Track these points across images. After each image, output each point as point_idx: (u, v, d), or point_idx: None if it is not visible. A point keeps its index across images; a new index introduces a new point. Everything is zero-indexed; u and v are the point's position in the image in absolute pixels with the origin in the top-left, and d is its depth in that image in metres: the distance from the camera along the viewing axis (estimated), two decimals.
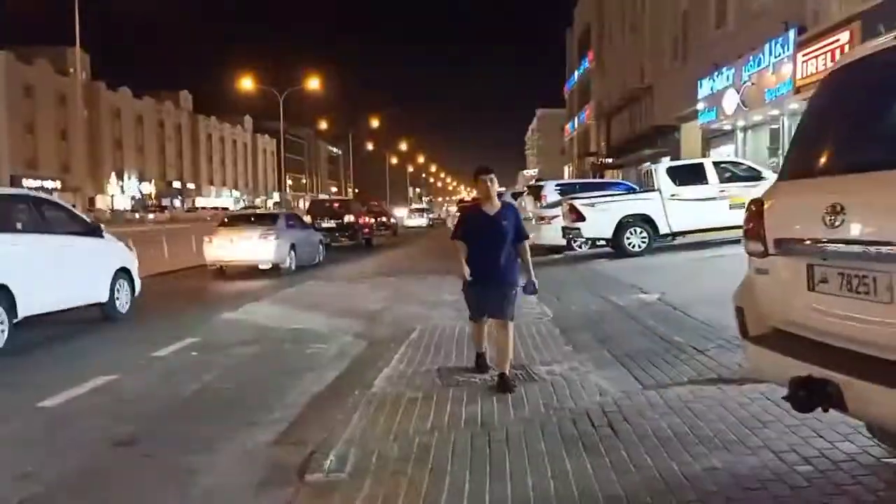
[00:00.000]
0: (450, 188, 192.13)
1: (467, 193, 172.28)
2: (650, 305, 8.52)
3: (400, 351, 7.10)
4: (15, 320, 8.06)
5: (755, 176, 14.08)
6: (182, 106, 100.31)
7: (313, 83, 51.50)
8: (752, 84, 19.27)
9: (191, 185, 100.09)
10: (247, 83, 50.35)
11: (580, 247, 17.26)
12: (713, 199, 13.91)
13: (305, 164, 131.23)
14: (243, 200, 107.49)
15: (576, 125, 66.84)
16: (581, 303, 9.35)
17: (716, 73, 21.99)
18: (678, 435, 4.12)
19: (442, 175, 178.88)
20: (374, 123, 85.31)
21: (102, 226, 10.62)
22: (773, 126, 21.07)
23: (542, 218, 17.79)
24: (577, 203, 14.39)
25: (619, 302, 8.87)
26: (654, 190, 14.27)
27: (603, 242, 15.31)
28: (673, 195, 14.07)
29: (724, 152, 23.79)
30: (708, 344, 6.08)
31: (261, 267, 16.32)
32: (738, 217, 12.25)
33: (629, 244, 14.18)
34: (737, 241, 13.59)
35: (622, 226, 14.17)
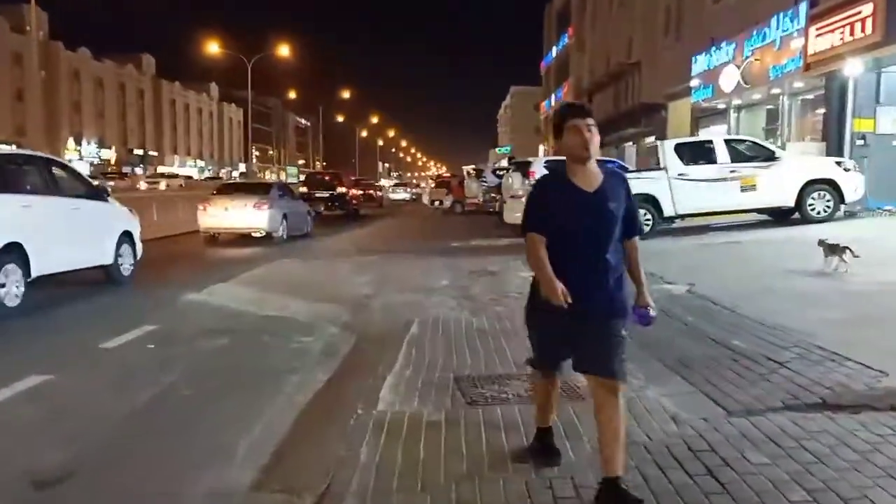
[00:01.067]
0: (420, 163, 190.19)
1: (437, 169, 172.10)
2: (681, 298, 7.46)
3: (402, 351, 5.94)
4: (28, 279, 8.18)
5: (768, 156, 13.13)
6: (144, 70, 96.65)
7: (283, 51, 49.73)
8: (756, 60, 18.29)
9: (153, 153, 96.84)
10: (213, 48, 48.41)
11: None
12: (723, 179, 12.92)
13: (273, 135, 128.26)
14: (208, 170, 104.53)
15: (552, 103, 65.70)
16: None
17: (713, 49, 21.00)
18: (813, 492, 3.05)
19: (413, 150, 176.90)
20: (345, 95, 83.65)
21: (108, 189, 10.93)
22: (770, 106, 20.21)
23: None
24: None
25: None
26: (659, 168, 13.23)
27: None
28: (680, 174, 13.04)
29: (714, 132, 22.85)
30: (783, 352, 5.02)
31: (254, 235, 16.76)
32: (750, 199, 11.27)
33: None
34: (743, 226, 12.58)
35: None
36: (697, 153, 13.31)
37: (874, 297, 6.90)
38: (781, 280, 8.02)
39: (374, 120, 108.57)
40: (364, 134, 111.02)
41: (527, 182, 19.13)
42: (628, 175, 13.87)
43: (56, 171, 9.54)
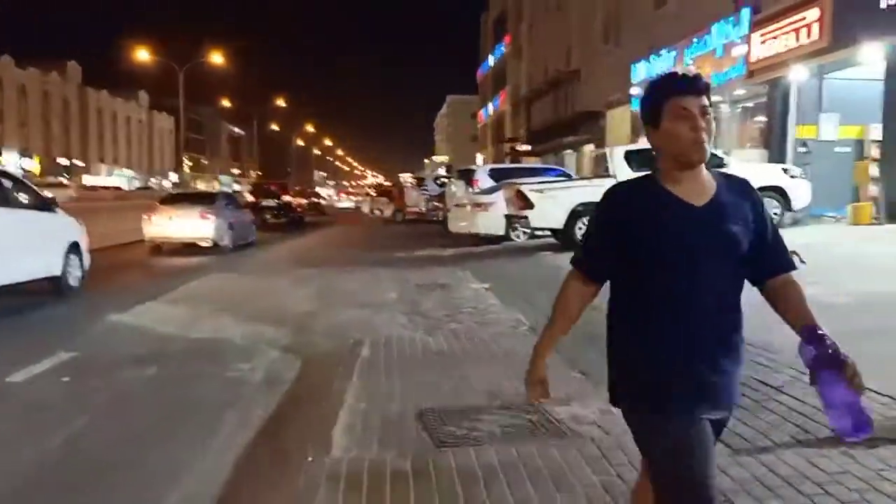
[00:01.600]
0: (356, 172, 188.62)
1: (374, 177, 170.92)
2: None
3: (353, 379, 5.32)
4: None
5: (717, 163, 12.99)
6: (70, 78, 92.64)
7: (216, 59, 48.30)
8: (696, 68, 18.33)
9: (79, 163, 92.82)
10: (143, 55, 46.74)
11: (518, 237, 15.88)
12: None
13: (206, 144, 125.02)
14: (137, 180, 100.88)
15: (490, 111, 65.93)
16: None
17: (653, 56, 21.05)
18: None
19: (349, 159, 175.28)
20: (280, 104, 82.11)
21: (56, 199, 10.85)
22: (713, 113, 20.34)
23: (478, 205, 16.26)
24: (525, 189, 12.90)
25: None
26: (608, 176, 12.93)
27: (549, 232, 13.94)
28: None
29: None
30: (776, 375, 4.63)
31: (202, 245, 16.71)
32: None
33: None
34: None
35: (574, 215, 12.79)
36: (647, 161, 13.01)
37: (840, 308, 6.63)
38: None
39: (310, 129, 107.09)
40: (300, 143, 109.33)
41: (470, 190, 18.75)
42: (583, 182, 13.69)
43: (2, 180, 9.28)
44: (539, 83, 38.74)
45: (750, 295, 2.08)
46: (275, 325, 7.69)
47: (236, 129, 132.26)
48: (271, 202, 28.58)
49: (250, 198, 29.07)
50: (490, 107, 65.45)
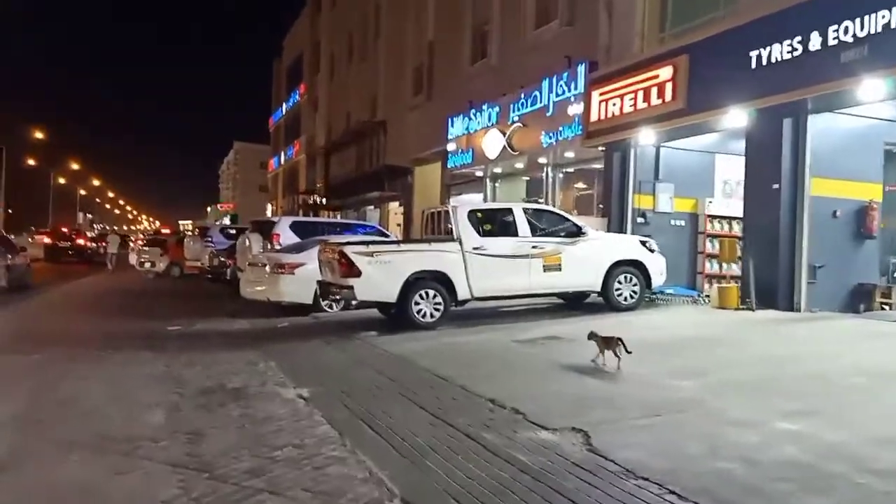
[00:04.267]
0: (130, 216, 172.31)
1: (149, 223, 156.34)
2: (575, 460, 4.54)
3: None
4: None
5: (573, 230, 11.19)
6: None
7: None
8: (523, 125, 16.96)
9: None
10: None
11: (331, 307, 12.96)
12: (525, 256, 10.67)
13: None
14: None
15: (282, 161, 62.36)
16: (437, 451, 4.82)
17: (473, 112, 19.52)
18: None
19: (121, 202, 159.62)
20: (38, 135, 71.97)
21: None
22: (530, 176, 19.12)
23: (281, 266, 13.11)
24: (349, 251, 10.08)
25: (509, 450, 4.72)
26: (451, 240, 10.58)
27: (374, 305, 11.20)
28: (476, 248, 10.51)
29: (464, 201, 21.32)
30: None
31: None
32: (554, 281, 8.87)
33: (418, 311, 10.24)
34: (539, 311, 9.83)
35: (410, 285, 10.21)
36: (495, 223, 10.95)
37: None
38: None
39: (75, 166, 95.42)
40: (61, 181, 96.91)
41: (270, 247, 15.52)
42: (422, 245, 11.09)
43: None
44: (341, 133, 36.34)
45: None
46: None
47: None
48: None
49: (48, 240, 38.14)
50: (282, 156, 61.90)
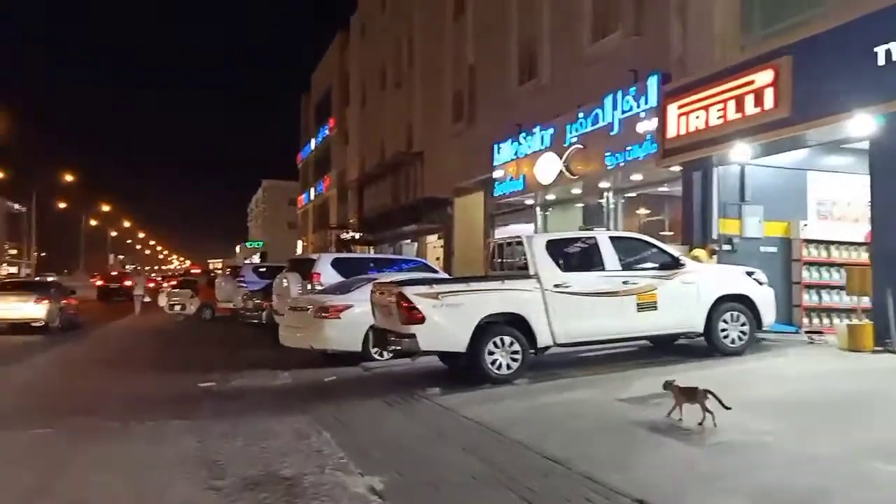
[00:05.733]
0: (160, 256, 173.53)
1: (180, 263, 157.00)
2: None
3: None
4: None
5: (669, 262, 9.57)
6: None
7: None
8: (582, 147, 15.45)
9: None
10: None
11: (381, 354, 11.43)
12: (615, 293, 9.06)
13: None
14: None
15: (311, 196, 61.60)
16: None
17: (523, 135, 18.09)
18: None
19: (152, 243, 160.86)
20: (69, 178, 72.39)
21: None
22: (589, 202, 17.53)
23: (325, 309, 11.66)
24: (410, 293, 8.55)
25: None
26: (527, 276, 9.02)
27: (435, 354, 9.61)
28: (557, 285, 8.93)
29: (509, 231, 19.78)
30: None
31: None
32: (649, 322, 7.12)
33: (493, 363, 8.66)
34: (635, 355, 7.94)
35: (481, 331, 8.64)
36: (577, 255, 9.39)
37: None
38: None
39: (106, 208, 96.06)
40: (93, 223, 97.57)
41: (311, 287, 14.11)
42: (492, 283, 9.45)
43: None
44: (374, 166, 35.17)
45: None
46: None
47: (16, 206, 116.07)
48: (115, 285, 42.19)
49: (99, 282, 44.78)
50: (312, 192, 61.12)
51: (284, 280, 15.15)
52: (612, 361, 9.83)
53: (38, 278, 36.39)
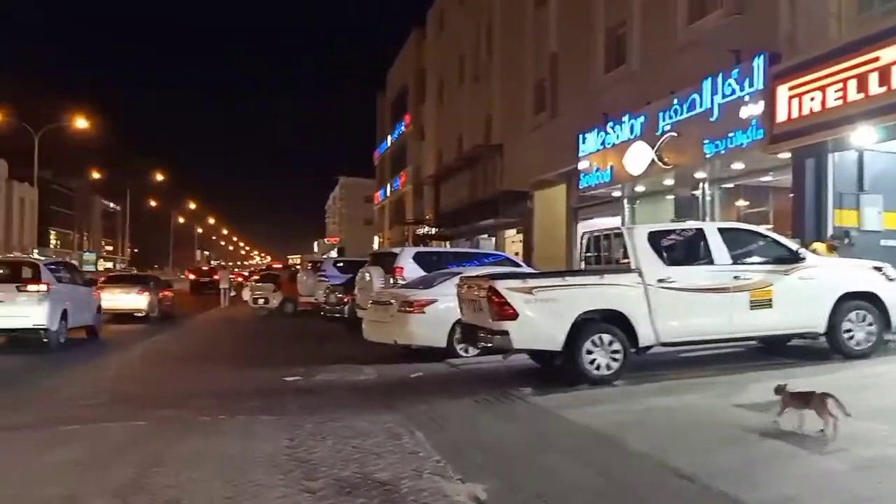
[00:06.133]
0: (242, 252, 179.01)
1: (261, 258, 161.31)
2: None
3: None
4: None
5: (785, 255, 8.78)
6: None
7: (80, 123, 42.68)
8: (677, 135, 14.62)
9: None
10: None
11: (466, 350, 11.03)
12: (725, 289, 8.36)
13: (76, 218, 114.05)
14: None
15: (387, 193, 61.95)
16: None
17: (610, 125, 17.33)
18: None
19: (235, 239, 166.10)
20: (159, 178, 75.47)
21: None
22: (681, 194, 16.62)
23: (409, 304, 11.35)
24: (502, 287, 8.09)
25: None
26: (628, 270, 8.42)
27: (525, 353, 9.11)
28: (661, 280, 8.30)
29: (593, 225, 18.98)
30: None
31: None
32: (763, 321, 6.31)
33: (591, 362, 8.10)
34: (743, 356, 7.13)
35: (578, 329, 8.10)
36: (682, 248, 8.70)
37: None
38: None
39: (192, 206, 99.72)
40: (181, 220, 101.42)
41: (394, 281, 13.85)
42: (590, 278, 7.59)
43: None
44: (451, 161, 34.86)
45: None
46: None
47: (111, 205, 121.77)
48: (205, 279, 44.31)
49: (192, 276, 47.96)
50: (388, 188, 61.45)
51: (367, 274, 14.96)
52: (719, 363, 9.11)
53: (137, 273, 38.46)
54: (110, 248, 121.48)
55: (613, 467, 5.13)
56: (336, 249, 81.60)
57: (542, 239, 24.02)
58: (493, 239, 31.35)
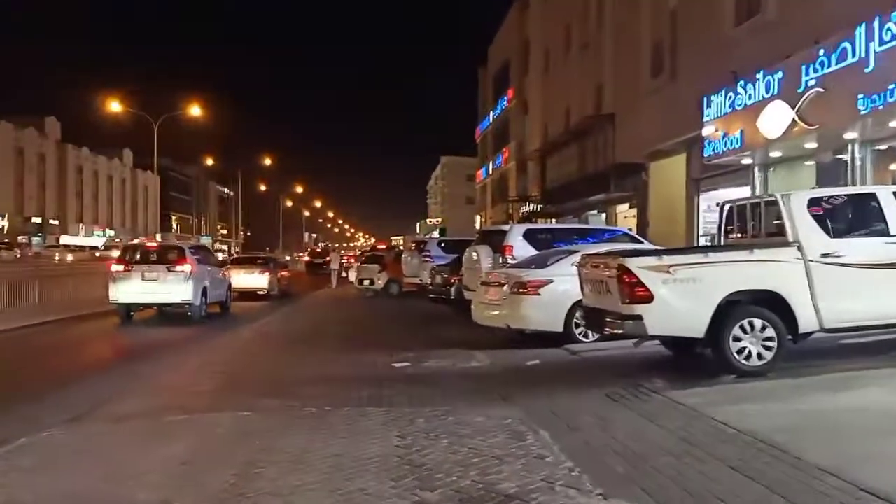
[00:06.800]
0: (347, 234, 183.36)
1: (365, 240, 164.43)
2: None
3: None
4: None
5: None
6: (48, 134, 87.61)
7: (195, 111, 44.50)
8: (823, 90, 12.91)
9: (53, 222, 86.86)
10: (115, 107, 43.52)
11: (586, 335, 10.09)
12: None
13: (194, 203, 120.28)
14: (115, 241, 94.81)
15: (490, 170, 61.01)
16: None
17: (742, 84, 15.66)
18: None
19: (340, 221, 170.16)
20: (267, 162, 77.81)
21: None
22: (822, 159, 14.82)
23: (523, 285, 10.50)
24: (634, 265, 7.08)
25: None
26: (784, 244, 7.21)
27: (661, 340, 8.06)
28: (826, 255, 7.05)
29: (718, 197, 17.31)
30: None
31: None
32: None
33: (740, 351, 6.99)
34: None
35: (724, 313, 6.99)
36: (850, 216, 7.40)
37: None
38: None
39: (299, 189, 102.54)
40: (289, 203, 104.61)
41: (505, 260, 13.03)
42: (738, 253, 5.25)
43: None
44: (558, 134, 33.51)
45: None
46: None
47: (225, 190, 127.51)
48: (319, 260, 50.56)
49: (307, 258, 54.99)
50: (490, 165, 60.49)
51: (474, 253, 14.22)
52: (875, 352, 7.76)
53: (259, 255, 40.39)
54: (224, 231, 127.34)
55: (790, 486, 4.10)
56: (438, 230, 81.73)
57: (659, 214, 22.50)
58: (604, 215, 29.87)
